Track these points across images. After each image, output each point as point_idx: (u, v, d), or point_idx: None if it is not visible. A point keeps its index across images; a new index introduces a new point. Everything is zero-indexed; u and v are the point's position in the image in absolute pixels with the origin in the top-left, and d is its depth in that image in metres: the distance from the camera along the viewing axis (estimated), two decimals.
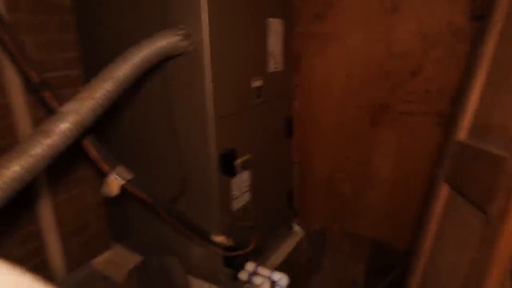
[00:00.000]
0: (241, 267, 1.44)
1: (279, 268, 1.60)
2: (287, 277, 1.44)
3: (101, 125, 1.46)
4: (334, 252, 1.99)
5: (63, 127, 0.81)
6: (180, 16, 1.10)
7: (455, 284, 0.75)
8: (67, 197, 1.55)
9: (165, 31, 1.05)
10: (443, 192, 0.91)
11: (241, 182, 1.36)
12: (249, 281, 1.42)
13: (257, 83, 1.36)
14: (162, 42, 1.02)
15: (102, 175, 1.05)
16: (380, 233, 1.80)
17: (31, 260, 1.45)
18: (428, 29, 1.42)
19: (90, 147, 0.95)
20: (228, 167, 1.24)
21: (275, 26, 1.42)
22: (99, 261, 1.67)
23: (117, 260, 1.67)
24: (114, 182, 1.01)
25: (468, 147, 0.82)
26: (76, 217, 1.61)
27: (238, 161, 1.31)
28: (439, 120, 1.49)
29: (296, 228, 1.92)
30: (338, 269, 2.01)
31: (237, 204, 1.36)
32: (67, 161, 1.53)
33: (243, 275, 1.42)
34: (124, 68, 0.93)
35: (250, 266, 1.44)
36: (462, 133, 0.88)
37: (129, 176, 1.03)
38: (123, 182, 1.00)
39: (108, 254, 1.71)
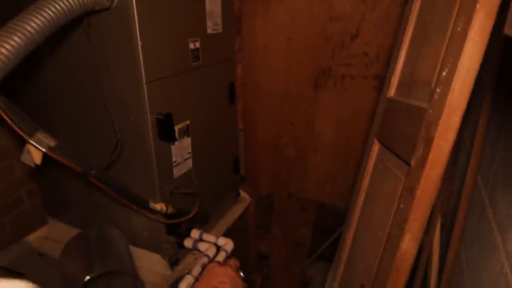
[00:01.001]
0: (185, 235, 1.43)
1: (226, 234, 1.61)
2: (232, 242, 1.45)
3: (23, 86, 1.34)
4: (281, 216, 2.03)
5: None
6: None
7: (382, 234, 0.78)
8: None
9: None
10: (375, 148, 0.94)
11: (182, 149, 1.32)
12: (194, 248, 1.42)
13: (194, 45, 1.29)
14: None
15: None
16: (325, 195, 1.86)
17: None
18: None
19: (1, 110, 0.85)
20: (165, 133, 1.19)
21: None
22: (34, 237, 1.57)
23: (54, 236, 1.58)
24: (35, 150, 0.92)
25: (394, 102, 0.84)
26: (3, 193, 1.49)
27: (178, 127, 1.26)
28: (376, 83, 1.53)
29: (243, 194, 1.93)
30: (285, 233, 2.07)
31: (178, 171, 1.32)
32: None
33: (187, 243, 1.41)
34: (35, 22, 0.83)
35: (195, 233, 1.43)
36: (391, 90, 0.90)
37: (52, 142, 0.94)
38: (44, 149, 0.92)
39: (44, 230, 1.61)
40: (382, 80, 1.50)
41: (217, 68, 1.46)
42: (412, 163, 0.64)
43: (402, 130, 0.75)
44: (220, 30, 1.44)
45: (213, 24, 1.39)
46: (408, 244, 0.63)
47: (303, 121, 1.75)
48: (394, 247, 0.65)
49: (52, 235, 1.59)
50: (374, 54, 1.50)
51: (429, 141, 0.60)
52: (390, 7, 1.41)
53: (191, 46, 1.28)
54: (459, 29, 0.56)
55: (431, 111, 0.61)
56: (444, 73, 0.59)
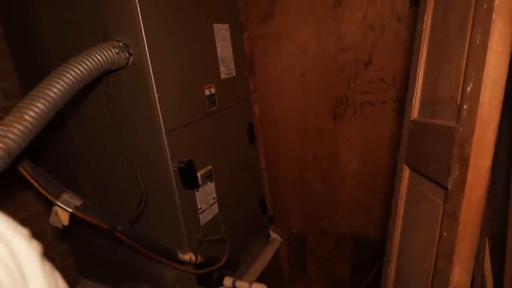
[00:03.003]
0: (217, 284, 1.37)
1: (260, 279, 1.54)
2: (267, 287, 1.38)
3: (47, 146, 1.39)
4: (316, 254, 1.94)
5: None
6: (116, 28, 1.05)
7: (428, 267, 0.72)
8: None
9: (100, 44, 1.00)
10: (405, 174, 0.89)
11: (206, 195, 1.30)
12: None
13: (210, 91, 1.32)
14: (97, 57, 0.96)
15: None
16: (358, 227, 1.78)
17: None
18: (373, 18, 1.43)
19: (27, 174, 0.87)
20: (188, 180, 1.18)
21: (221, 31, 1.39)
22: None
23: None
24: (62, 211, 0.93)
25: (419, 124, 0.80)
26: None
27: (200, 173, 1.25)
28: (396, 107, 1.50)
29: (273, 235, 1.87)
30: (322, 271, 1.97)
31: (204, 218, 1.30)
32: (18, 199, 1.42)
33: None
34: (57, 87, 0.86)
35: (227, 281, 1.38)
36: (414, 112, 0.86)
37: (78, 202, 0.95)
38: (71, 210, 0.92)
39: None
40: (402, 103, 1.47)
41: (234, 111, 1.48)
42: (450, 187, 0.60)
43: (433, 153, 0.71)
44: (234, 73, 1.47)
45: (226, 69, 1.42)
46: (459, 276, 0.57)
47: (327, 153, 1.71)
48: (444, 281, 0.59)
49: None
50: (390, 78, 1.48)
51: (465, 161, 0.55)
52: (399, 31, 1.41)
53: (207, 92, 1.30)
54: (477, 41, 0.54)
55: (461, 129, 0.57)
56: (469, 88, 0.56)
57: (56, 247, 1.59)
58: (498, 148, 1.08)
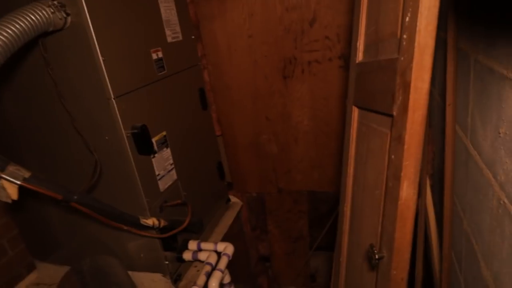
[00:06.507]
0: (183, 248, 1.39)
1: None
2: (232, 245, 1.42)
3: None
4: (275, 214, 2.02)
5: None
6: None
7: (380, 192, 0.78)
8: None
9: (32, 3, 0.92)
10: (354, 115, 0.95)
11: (163, 161, 1.29)
12: (194, 259, 1.38)
13: (157, 55, 1.28)
14: (30, 16, 0.89)
15: None
16: (314, 183, 1.86)
17: None
18: None
19: None
20: (143, 146, 1.16)
21: None
22: (24, 286, 1.48)
23: (45, 280, 1.50)
24: (9, 185, 0.87)
25: (365, 65, 0.85)
26: None
27: (155, 139, 1.23)
28: (342, 63, 1.56)
29: (233, 199, 1.90)
30: (282, 229, 2.05)
31: (164, 184, 1.29)
32: None
33: (186, 255, 1.37)
34: None
35: (192, 244, 1.40)
36: (360, 55, 0.91)
37: (26, 174, 0.89)
38: (19, 182, 0.87)
39: (33, 276, 1.52)
40: (347, 59, 1.54)
41: (184, 76, 1.45)
42: (395, 113, 0.65)
43: (378, 86, 0.76)
44: (180, 37, 1.43)
45: (172, 32, 1.38)
46: (407, 191, 0.63)
47: (279, 114, 1.75)
48: (395, 198, 0.65)
49: (43, 280, 1.50)
50: (334, 35, 1.53)
51: (406, 86, 0.60)
52: None
53: (154, 56, 1.26)
54: None
55: (402, 58, 0.62)
56: (407, 19, 0.60)
57: (4, 234, 1.49)
58: (433, 95, 1.18)
